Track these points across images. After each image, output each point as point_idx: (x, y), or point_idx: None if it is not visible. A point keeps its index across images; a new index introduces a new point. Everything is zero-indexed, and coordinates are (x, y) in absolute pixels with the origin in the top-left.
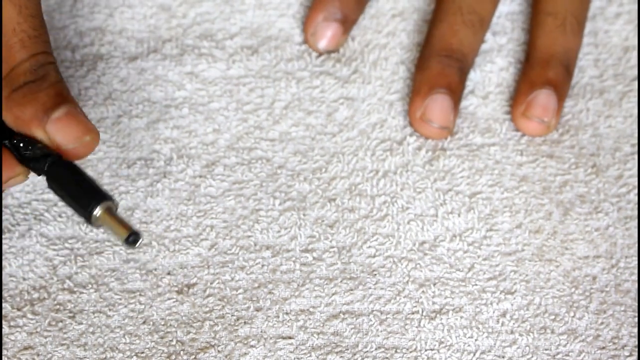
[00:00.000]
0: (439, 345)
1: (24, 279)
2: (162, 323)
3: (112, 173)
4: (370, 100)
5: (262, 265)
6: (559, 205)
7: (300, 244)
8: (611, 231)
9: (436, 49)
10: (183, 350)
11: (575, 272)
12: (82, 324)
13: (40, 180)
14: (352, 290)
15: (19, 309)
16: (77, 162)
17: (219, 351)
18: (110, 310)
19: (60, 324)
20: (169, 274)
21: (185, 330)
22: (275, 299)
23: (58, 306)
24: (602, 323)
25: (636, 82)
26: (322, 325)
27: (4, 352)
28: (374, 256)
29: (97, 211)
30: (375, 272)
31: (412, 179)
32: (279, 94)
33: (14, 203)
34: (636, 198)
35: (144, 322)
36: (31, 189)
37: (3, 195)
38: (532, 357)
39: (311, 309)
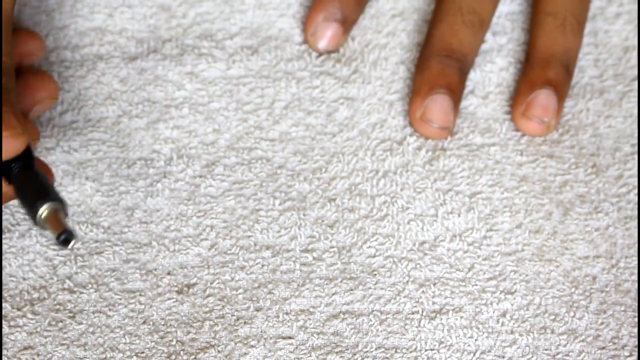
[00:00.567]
0: (439, 345)
1: (24, 279)
2: (162, 323)
3: (112, 173)
4: (370, 100)
5: (262, 265)
6: (559, 205)
7: (300, 244)
8: (611, 231)
9: (436, 49)
10: (183, 350)
11: (575, 272)
12: (82, 324)
13: None
14: (352, 290)
15: (19, 309)
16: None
17: (219, 351)
18: (110, 310)
19: (60, 324)
20: (169, 274)
21: (185, 330)
22: (275, 299)
23: (58, 306)
24: (602, 323)
25: (636, 82)
26: (322, 325)
27: (4, 352)
28: (374, 256)
29: (42, 211)
30: (375, 272)
31: (412, 179)
32: (279, 94)
33: (14, 203)
34: (636, 198)
35: (144, 322)
36: None
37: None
38: (532, 357)
39: (311, 309)
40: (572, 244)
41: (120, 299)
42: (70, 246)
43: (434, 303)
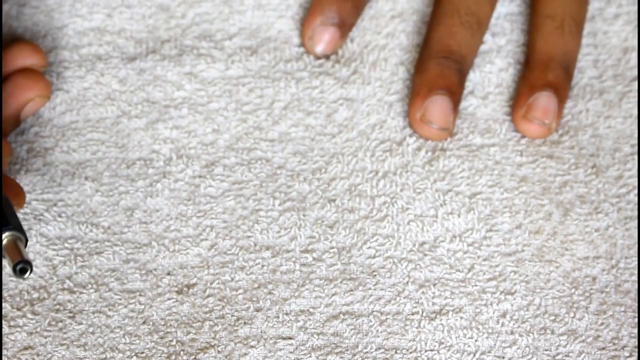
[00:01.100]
0: (439, 346)
1: (24, 279)
2: (162, 323)
3: (111, 173)
4: (369, 101)
5: (262, 266)
6: (559, 206)
7: (300, 244)
8: (611, 232)
9: (435, 51)
10: (183, 350)
11: (575, 272)
12: (82, 324)
13: (40, 180)
14: (352, 290)
15: (19, 309)
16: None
17: (218, 351)
18: (110, 310)
19: (60, 324)
20: (168, 274)
21: (185, 331)
22: (275, 299)
23: (58, 306)
24: (602, 324)
25: (636, 83)
26: (322, 325)
27: (4, 352)
28: (374, 257)
29: (3, 239)
30: (375, 273)
31: (412, 180)
32: (278, 94)
33: None
34: (636, 198)
35: (143, 322)
36: (31, 189)
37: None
38: (532, 357)
39: (311, 310)
40: (572, 245)
41: (120, 299)
42: (25, 276)
43: (434, 304)
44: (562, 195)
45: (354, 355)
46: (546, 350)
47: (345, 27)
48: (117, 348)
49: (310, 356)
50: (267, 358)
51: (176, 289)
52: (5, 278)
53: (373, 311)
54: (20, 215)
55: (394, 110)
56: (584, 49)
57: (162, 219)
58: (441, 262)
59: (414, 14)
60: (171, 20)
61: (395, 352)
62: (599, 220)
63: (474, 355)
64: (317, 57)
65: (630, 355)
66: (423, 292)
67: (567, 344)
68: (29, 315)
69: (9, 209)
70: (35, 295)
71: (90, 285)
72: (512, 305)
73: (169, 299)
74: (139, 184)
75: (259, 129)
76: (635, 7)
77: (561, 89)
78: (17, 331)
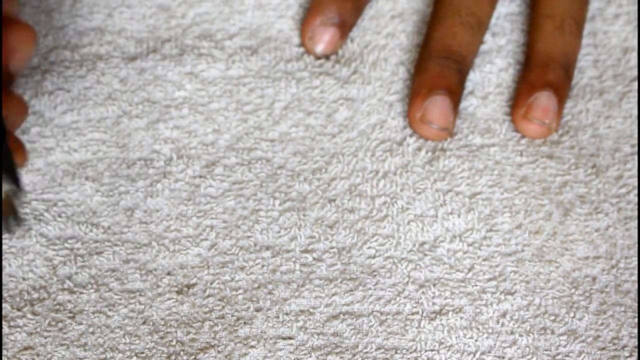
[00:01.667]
0: (439, 346)
1: (24, 279)
2: (162, 323)
3: (112, 173)
4: (370, 101)
5: (262, 266)
6: (559, 206)
7: (300, 244)
8: (611, 232)
9: (435, 51)
10: (183, 350)
11: (575, 272)
12: (82, 324)
13: (40, 180)
14: (352, 291)
15: (19, 309)
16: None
17: (218, 351)
18: (110, 310)
19: (60, 324)
20: (168, 274)
21: (185, 331)
22: (275, 299)
23: (58, 306)
24: (602, 324)
25: (636, 83)
26: (322, 325)
27: (4, 352)
28: (374, 257)
29: None
30: (375, 273)
31: (412, 180)
32: (278, 94)
33: None
34: (636, 198)
35: (143, 323)
36: (31, 189)
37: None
38: (532, 357)
39: (311, 310)
40: (572, 245)
41: (120, 299)
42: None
43: (434, 304)
44: (562, 195)
45: (354, 355)
46: (546, 350)
47: (345, 27)
48: (117, 348)
49: (310, 356)
50: (267, 358)
51: (176, 289)
52: (5, 278)
53: (373, 311)
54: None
55: (394, 110)
56: (584, 49)
57: (162, 219)
58: (441, 262)
59: (414, 13)
60: (171, 20)
61: (395, 352)
62: (599, 220)
63: (474, 356)
64: (317, 57)
65: (631, 355)
66: (423, 292)
67: (567, 344)
68: (29, 316)
69: (10, 163)
70: (35, 295)
71: (90, 286)
72: (512, 305)
73: (169, 299)
74: (139, 184)
75: (260, 129)
76: (636, 7)
77: (561, 89)
78: (17, 331)
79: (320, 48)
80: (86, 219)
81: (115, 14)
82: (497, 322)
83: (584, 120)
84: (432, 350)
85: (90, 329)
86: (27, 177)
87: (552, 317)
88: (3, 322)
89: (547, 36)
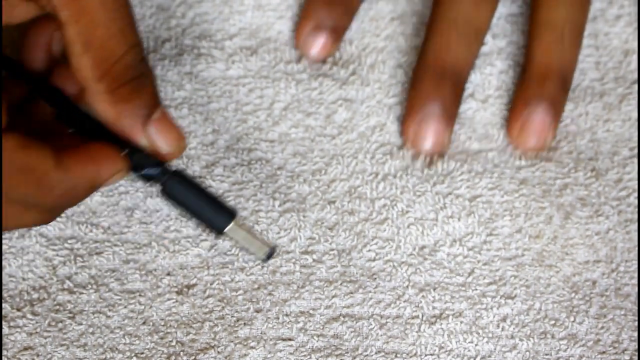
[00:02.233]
0: (439, 350)
1: (24, 279)
2: (162, 324)
3: None
4: (369, 103)
5: (262, 267)
6: (560, 209)
7: (300, 245)
8: (611, 235)
9: (431, 66)
10: (183, 351)
11: (575, 277)
12: (82, 324)
13: None
14: (352, 293)
15: (18, 309)
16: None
17: (218, 352)
18: (110, 310)
19: (60, 325)
20: (168, 274)
21: (185, 331)
22: (275, 300)
23: (58, 306)
24: (602, 327)
25: (636, 85)
26: (322, 327)
27: (4, 352)
28: (374, 260)
29: (231, 226)
30: (375, 276)
31: (412, 182)
32: (278, 94)
33: None
34: (636, 201)
35: (143, 323)
36: None
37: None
38: None
39: (311, 311)
40: (572, 249)
41: (120, 300)
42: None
43: (434, 308)
44: (562, 198)
45: (354, 357)
46: (546, 354)
47: (337, 32)
48: (117, 348)
49: (310, 358)
50: (266, 359)
51: (176, 289)
52: (5, 278)
53: (373, 314)
54: None
55: (393, 114)
56: (585, 50)
57: (162, 219)
58: (441, 266)
59: (414, 16)
60: (171, 20)
61: (396, 356)
62: (600, 224)
63: None
64: (311, 62)
65: (631, 359)
66: (423, 296)
67: (568, 348)
68: (29, 316)
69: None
70: (35, 295)
71: (90, 286)
72: (512, 309)
73: (168, 300)
74: (139, 184)
75: (259, 129)
76: (636, 9)
77: (557, 103)
78: (17, 332)
79: (313, 53)
80: (86, 219)
81: None
82: (498, 326)
83: (583, 125)
84: (432, 355)
85: (90, 329)
86: None
87: (553, 321)
88: (3, 322)
89: (546, 48)
